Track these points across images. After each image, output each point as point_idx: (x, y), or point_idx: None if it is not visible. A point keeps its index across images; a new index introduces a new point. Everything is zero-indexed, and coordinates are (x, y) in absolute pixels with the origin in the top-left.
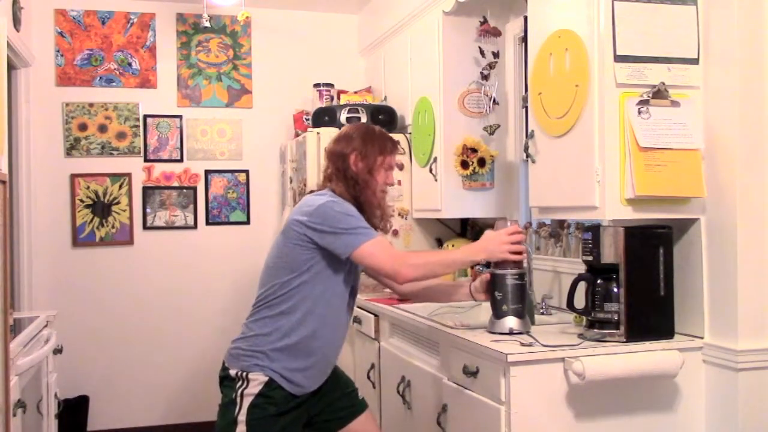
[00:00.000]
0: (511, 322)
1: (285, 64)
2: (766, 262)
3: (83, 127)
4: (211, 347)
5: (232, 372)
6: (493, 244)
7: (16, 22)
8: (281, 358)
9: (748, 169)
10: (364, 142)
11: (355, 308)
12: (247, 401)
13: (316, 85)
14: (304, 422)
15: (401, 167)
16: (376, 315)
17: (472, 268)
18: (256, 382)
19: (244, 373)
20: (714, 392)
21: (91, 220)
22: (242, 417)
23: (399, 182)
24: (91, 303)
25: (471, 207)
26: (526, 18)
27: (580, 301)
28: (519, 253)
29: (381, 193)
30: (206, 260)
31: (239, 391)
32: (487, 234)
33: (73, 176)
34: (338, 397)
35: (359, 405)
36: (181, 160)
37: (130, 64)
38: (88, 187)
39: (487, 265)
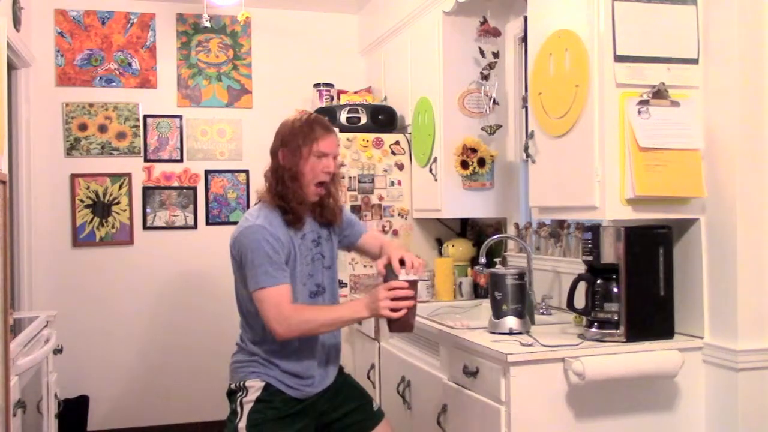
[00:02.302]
0: (511, 322)
1: (285, 64)
2: (766, 262)
3: (83, 127)
4: (211, 347)
5: (233, 385)
6: (374, 303)
7: (16, 22)
8: (275, 362)
9: (748, 169)
10: (290, 134)
11: None
12: (247, 408)
13: (316, 85)
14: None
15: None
16: None
17: (472, 267)
18: (254, 388)
19: (242, 382)
20: (714, 392)
21: (91, 220)
22: (242, 424)
23: (399, 182)
24: (91, 303)
25: (471, 207)
26: (526, 18)
27: (580, 301)
28: (401, 307)
29: (315, 187)
30: (206, 260)
31: (239, 400)
32: (374, 291)
33: (73, 176)
34: (353, 409)
35: (374, 417)
36: (181, 160)
37: (130, 64)
38: (88, 187)
39: (486, 265)
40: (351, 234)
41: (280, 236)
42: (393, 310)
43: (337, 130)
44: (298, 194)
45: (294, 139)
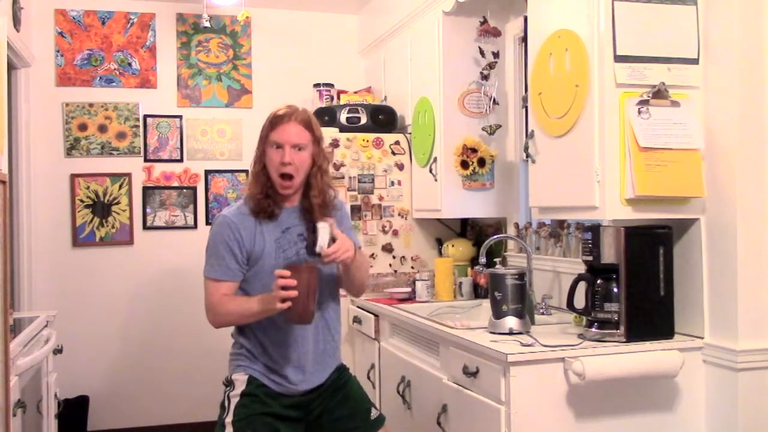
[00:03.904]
0: (511, 322)
1: (285, 64)
2: (766, 262)
3: (83, 127)
4: (210, 347)
5: (224, 380)
6: (270, 300)
7: (16, 22)
8: (259, 356)
9: (748, 169)
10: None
11: (356, 308)
12: (233, 402)
13: (316, 85)
14: None
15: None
16: (376, 315)
17: (472, 267)
18: (239, 382)
19: (230, 377)
20: (714, 392)
21: (91, 220)
22: (229, 419)
23: (399, 182)
24: (91, 303)
25: (471, 207)
26: (526, 18)
27: (580, 301)
28: (285, 297)
29: (280, 179)
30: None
31: (226, 395)
32: None
33: (73, 176)
34: (347, 415)
35: (370, 425)
36: (181, 160)
37: (130, 64)
38: (88, 187)
39: (486, 265)
40: None
41: (242, 229)
42: (284, 301)
43: (336, 130)
44: (265, 187)
45: (260, 134)
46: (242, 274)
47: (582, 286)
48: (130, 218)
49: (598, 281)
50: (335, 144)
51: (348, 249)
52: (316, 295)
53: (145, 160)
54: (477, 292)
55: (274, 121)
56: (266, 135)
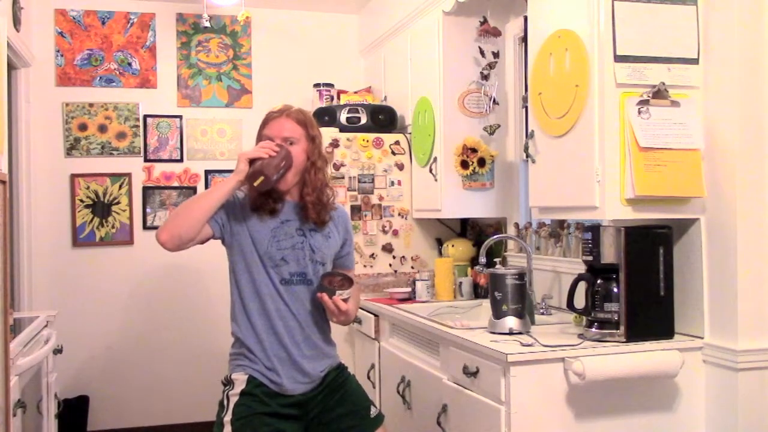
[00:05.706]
0: (511, 322)
1: (285, 64)
2: (766, 262)
3: (83, 127)
4: (210, 347)
5: (223, 379)
6: (243, 156)
7: (16, 22)
8: (257, 354)
9: (748, 169)
10: None
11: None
12: (232, 401)
13: (316, 85)
14: None
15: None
16: (376, 315)
17: (472, 267)
18: (239, 381)
19: (229, 376)
20: (714, 392)
21: (91, 220)
22: (228, 418)
23: (399, 182)
24: (91, 303)
25: (471, 207)
26: (526, 18)
27: (580, 301)
28: (260, 155)
29: None
30: (206, 260)
31: (225, 394)
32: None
33: (73, 176)
34: (346, 413)
35: (369, 424)
36: (181, 160)
37: (130, 64)
38: (88, 187)
39: (486, 265)
40: (340, 262)
41: (242, 205)
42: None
43: (336, 130)
44: None
45: (256, 135)
46: (218, 227)
47: (582, 286)
48: (130, 218)
49: (598, 281)
50: (335, 144)
51: (341, 317)
52: (287, 170)
53: (145, 160)
54: (477, 292)
55: (267, 118)
56: (260, 133)
